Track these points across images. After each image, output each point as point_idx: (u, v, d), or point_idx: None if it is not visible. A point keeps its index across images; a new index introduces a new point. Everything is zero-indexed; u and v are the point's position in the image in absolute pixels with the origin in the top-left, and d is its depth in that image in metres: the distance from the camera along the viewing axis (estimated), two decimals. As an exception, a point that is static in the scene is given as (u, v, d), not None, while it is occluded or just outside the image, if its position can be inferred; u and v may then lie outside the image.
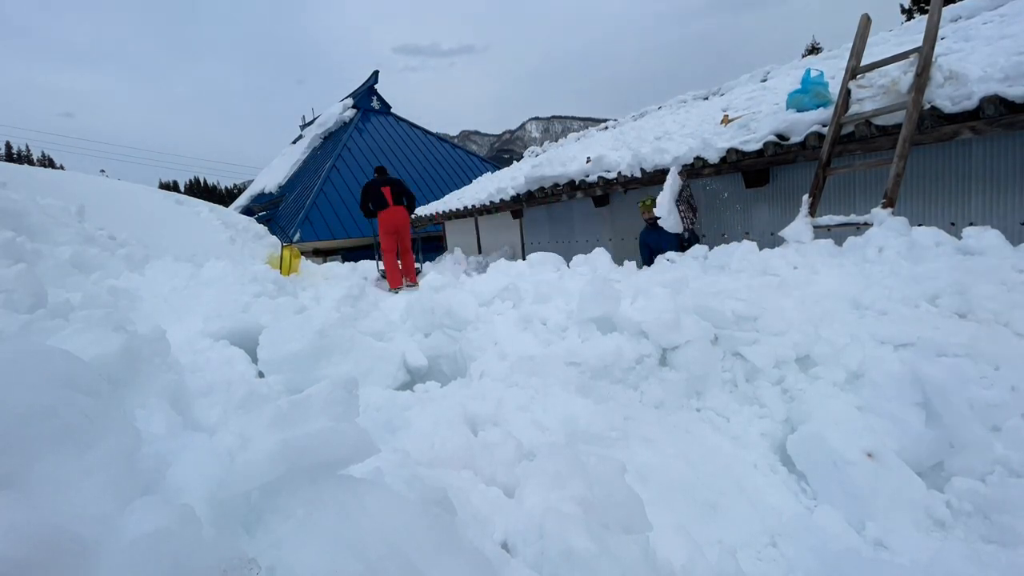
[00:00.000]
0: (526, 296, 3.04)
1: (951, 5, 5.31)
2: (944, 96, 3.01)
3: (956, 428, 1.58)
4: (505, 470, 1.47)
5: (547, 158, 7.99)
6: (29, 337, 1.49)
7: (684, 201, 4.56)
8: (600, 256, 4.05)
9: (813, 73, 3.97)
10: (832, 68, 4.66)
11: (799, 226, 3.32)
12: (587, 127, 11.78)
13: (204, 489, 0.80)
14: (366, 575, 0.73)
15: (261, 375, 2.41)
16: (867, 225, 2.91)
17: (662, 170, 4.88)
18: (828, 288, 2.41)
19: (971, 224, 2.67)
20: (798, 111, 3.96)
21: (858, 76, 3.55)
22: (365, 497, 0.85)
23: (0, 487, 0.61)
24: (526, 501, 1.18)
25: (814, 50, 21.94)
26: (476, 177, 12.86)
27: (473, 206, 8.58)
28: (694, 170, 4.61)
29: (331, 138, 19.00)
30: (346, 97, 20.20)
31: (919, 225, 2.61)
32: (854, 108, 3.48)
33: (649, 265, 4.33)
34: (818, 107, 3.84)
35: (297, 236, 13.25)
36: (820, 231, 3.31)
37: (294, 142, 22.03)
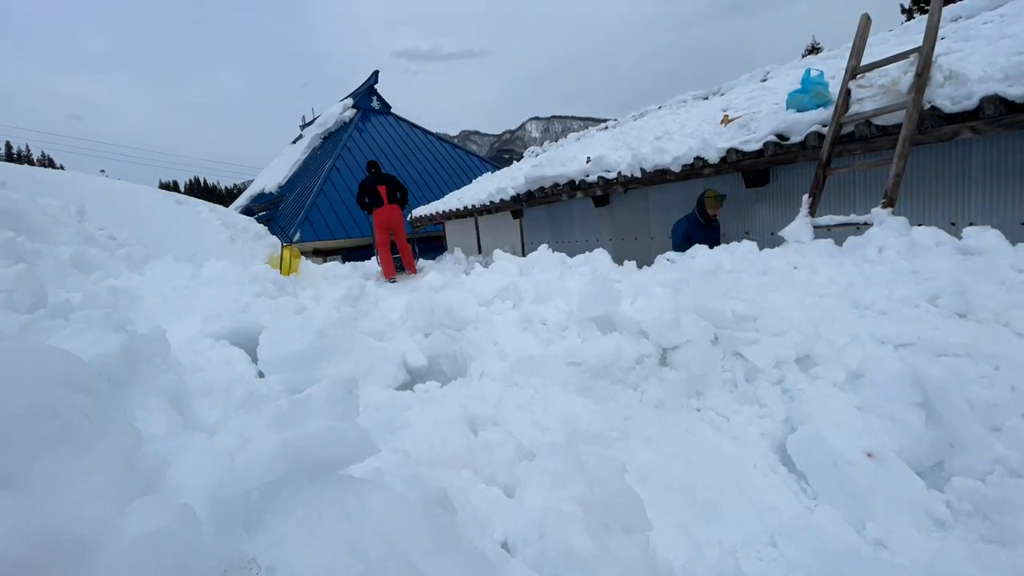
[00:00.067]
0: (526, 296, 3.04)
1: (951, 5, 5.31)
2: (944, 96, 3.01)
3: (956, 428, 1.58)
4: (505, 470, 1.47)
5: (547, 158, 7.99)
6: (29, 337, 1.49)
7: None
8: (600, 256, 4.05)
9: (813, 73, 3.97)
10: (832, 68, 4.65)
11: (799, 226, 3.32)
12: (587, 127, 11.78)
13: (204, 489, 0.80)
14: (366, 575, 0.73)
15: (261, 375, 2.41)
16: (867, 225, 2.91)
17: (662, 170, 4.87)
18: (828, 288, 2.41)
19: (971, 224, 2.67)
20: (798, 111, 3.95)
21: (858, 76, 3.55)
22: (365, 497, 0.85)
23: (0, 487, 0.61)
24: (526, 501, 1.18)
25: (814, 50, 21.95)
26: (476, 177, 12.85)
27: (473, 206, 8.58)
28: (694, 170, 4.61)
29: (331, 138, 18.99)
30: (346, 97, 20.19)
31: (919, 225, 2.61)
32: (854, 108, 3.48)
33: None
34: (818, 107, 3.84)
35: (297, 236, 13.25)
36: (820, 231, 3.31)
37: (294, 142, 22.03)
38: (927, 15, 3.26)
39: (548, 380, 2.03)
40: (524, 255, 3.93)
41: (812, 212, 3.50)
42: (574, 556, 0.98)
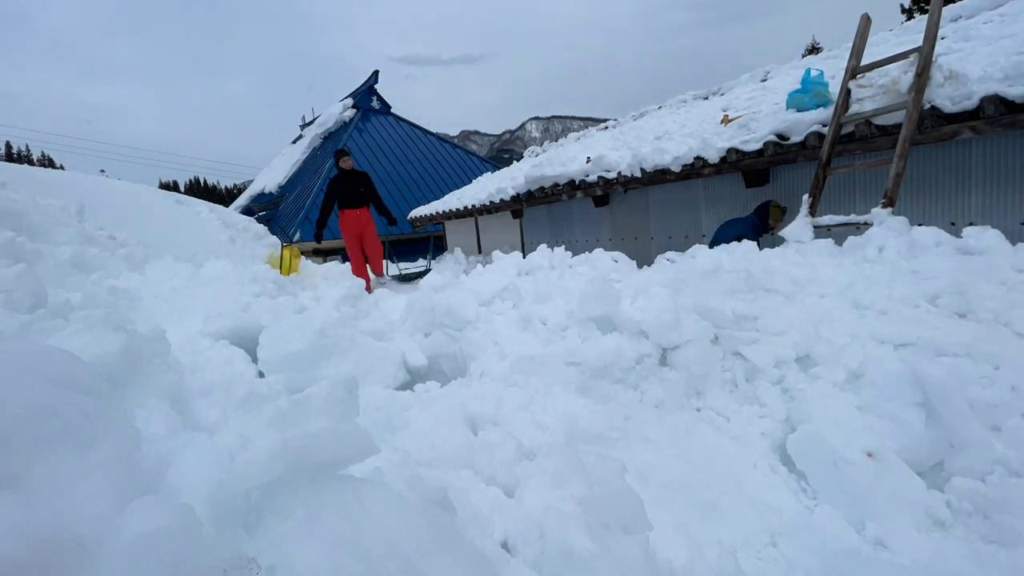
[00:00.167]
0: (526, 296, 3.04)
1: (951, 5, 5.31)
2: (944, 96, 3.01)
3: (956, 428, 1.58)
4: (505, 470, 1.46)
5: (547, 158, 7.99)
6: (29, 337, 1.49)
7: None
8: (601, 256, 4.05)
9: (813, 73, 3.97)
10: (832, 68, 4.66)
11: (799, 226, 3.32)
12: (587, 127, 11.78)
13: (204, 489, 0.80)
14: (366, 575, 0.73)
15: (261, 375, 2.41)
16: (867, 225, 2.91)
17: (662, 170, 4.88)
18: (828, 288, 2.41)
19: (971, 224, 2.67)
20: (798, 111, 3.96)
21: (858, 76, 3.55)
22: (365, 497, 0.85)
23: (0, 487, 0.61)
24: (526, 501, 1.18)
25: (814, 50, 21.94)
26: (476, 177, 12.86)
27: (473, 206, 8.59)
28: (694, 170, 4.61)
29: (331, 138, 18.99)
30: (346, 97, 20.20)
31: (919, 225, 2.61)
32: (854, 108, 3.48)
33: None
34: (818, 107, 3.84)
35: (297, 236, 13.25)
36: (820, 231, 3.31)
37: (294, 142, 22.03)
38: (927, 15, 3.26)
39: (548, 380, 2.03)
40: (524, 255, 3.93)
41: (812, 212, 3.50)
42: (574, 556, 0.98)
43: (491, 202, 7.88)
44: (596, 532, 1.02)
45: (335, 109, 19.68)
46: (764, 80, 7.12)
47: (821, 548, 1.38)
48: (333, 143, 18.12)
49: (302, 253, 7.15)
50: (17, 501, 0.60)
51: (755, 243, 4.14)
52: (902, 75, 3.23)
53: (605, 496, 1.15)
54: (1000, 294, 1.98)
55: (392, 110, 20.24)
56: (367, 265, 6.72)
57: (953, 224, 3.32)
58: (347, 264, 8.22)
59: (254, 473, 0.80)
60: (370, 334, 2.82)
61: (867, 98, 3.44)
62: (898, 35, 5.47)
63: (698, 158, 4.50)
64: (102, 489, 0.70)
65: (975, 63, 3.13)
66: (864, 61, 3.57)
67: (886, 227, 2.67)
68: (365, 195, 6.54)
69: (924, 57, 3.08)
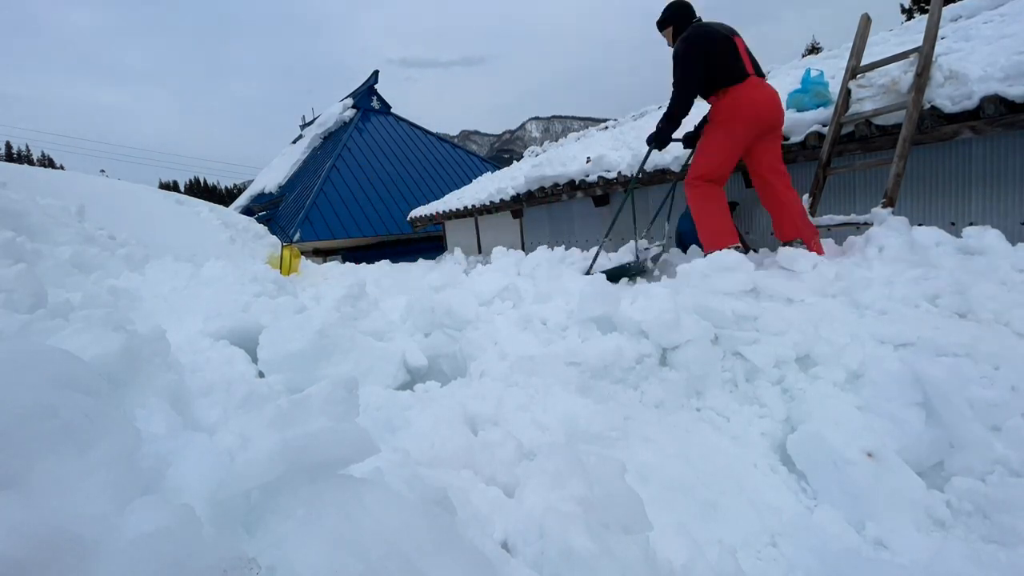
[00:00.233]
0: (526, 296, 3.04)
1: (951, 5, 5.31)
2: (944, 96, 3.01)
3: (956, 428, 1.58)
4: (505, 470, 1.46)
5: (547, 158, 7.99)
6: (29, 337, 1.49)
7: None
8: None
9: (813, 73, 3.96)
10: (832, 68, 4.65)
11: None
12: (587, 127, 11.78)
13: (204, 489, 0.80)
14: (366, 575, 0.73)
15: (261, 375, 2.41)
16: (867, 225, 2.91)
17: (662, 170, 4.88)
18: (828, 287, 2.41)
19: (971, 224, 2.67)
20: (798, 111, 3.95)
21: (858, 76, 3.55)
22: (365, 497, 0.85)
23: (0, 487, 0.61)
24: (526, 501, 1.18)
25: (814, 50, 21.94)
26: (476, 177, 12.85)
27: (473, 206, 8.58)
28: (694, 170, 4.61)
29: (331, 138, 18.97)
30: (346, 97, 20.18)
31: (919, 225, 2.61)
32: (854, 108, 3.48)
33: None
34: (818, 107, 3.84)
35: (297, 236, 13.25)
36: (820, 231, 3.31)
37: (294, 142, 22.01)
38: (927, 15, 3.26)
39: (548, 380, 2.03)
40: (525, 255, 3.94)
41: (812, 212, 3.50)
42: (574, 556, 0.98)
43: (491, 202, 7.88)
44: (596, 532, 1.02)
45: (335, 109, 19.66)
46: (764, 80, 7.11)
47: (821, 548, 1.38)
48: (333, 143, 18.12)
49: (302, 253, 7.13)
50: (17, 501, 0.60)
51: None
52: (902, 75, 3.23)
53: (605, 496, 1.15)
54: (1000, 294, 1.98)
55: (392, 110, 20.24)
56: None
57: (953, 224, 3.32)
58: (347, 264, 8.02)
59: (254, 473, 0.80)
60: (370, 334, 2.81)
61: (867, 98, 3.44)
62: (898, 35, 5.47)
63: (698, 158, 4.50)
64: (102, 489, 0.70)
65: (975, 63, 3.13)
66: (864, 61, 3.57)
67: (886, 227, 2.67)
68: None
69: (924, 57, 3.08)
